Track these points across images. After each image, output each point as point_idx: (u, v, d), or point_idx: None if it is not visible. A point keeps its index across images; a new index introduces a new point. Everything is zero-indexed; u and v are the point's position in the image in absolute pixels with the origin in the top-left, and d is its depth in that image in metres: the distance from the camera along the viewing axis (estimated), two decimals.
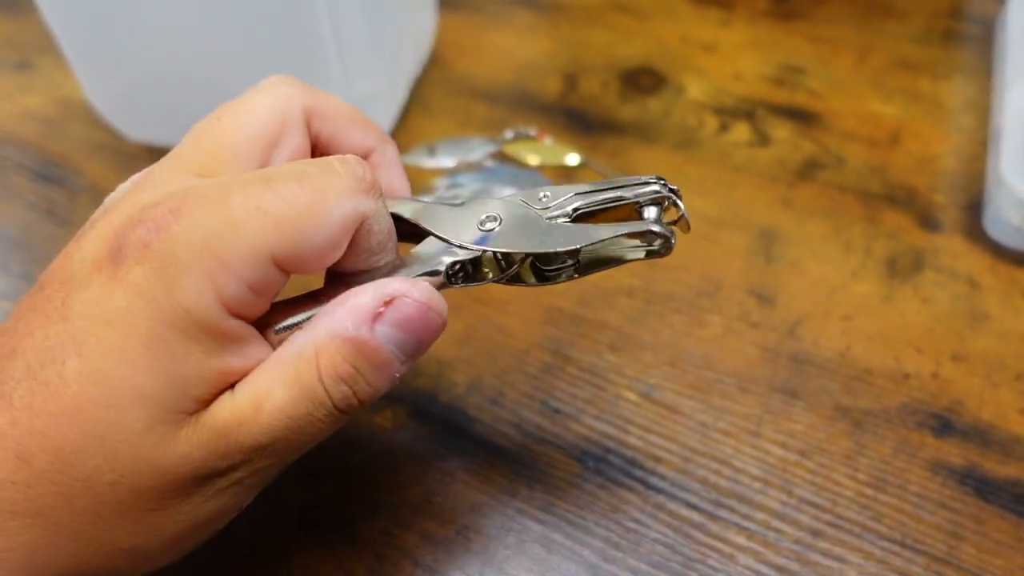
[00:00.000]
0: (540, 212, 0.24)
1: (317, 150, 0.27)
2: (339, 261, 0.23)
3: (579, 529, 0.31)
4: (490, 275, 0.25)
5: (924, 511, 0.31)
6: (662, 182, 0.24)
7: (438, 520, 0.31)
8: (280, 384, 0.22)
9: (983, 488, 0.32)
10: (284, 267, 0.22)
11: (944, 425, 0.34)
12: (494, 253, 0.24)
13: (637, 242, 0.24)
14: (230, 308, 0.21)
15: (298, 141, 0.25)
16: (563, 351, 0.37)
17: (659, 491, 0.32)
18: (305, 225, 0.21)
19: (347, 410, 0.22)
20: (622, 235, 0.23)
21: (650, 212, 0.24)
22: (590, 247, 0.23)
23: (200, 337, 0.21)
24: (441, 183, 0.45)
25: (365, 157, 0.27)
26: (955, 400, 0.34)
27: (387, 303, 0.22)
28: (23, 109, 0.51)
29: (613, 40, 0.55)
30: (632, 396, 0.35)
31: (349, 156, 0.23)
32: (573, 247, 0.23)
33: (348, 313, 0.22)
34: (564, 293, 0.39)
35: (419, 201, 0.25)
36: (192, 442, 0.21)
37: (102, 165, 0.47)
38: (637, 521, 0.31)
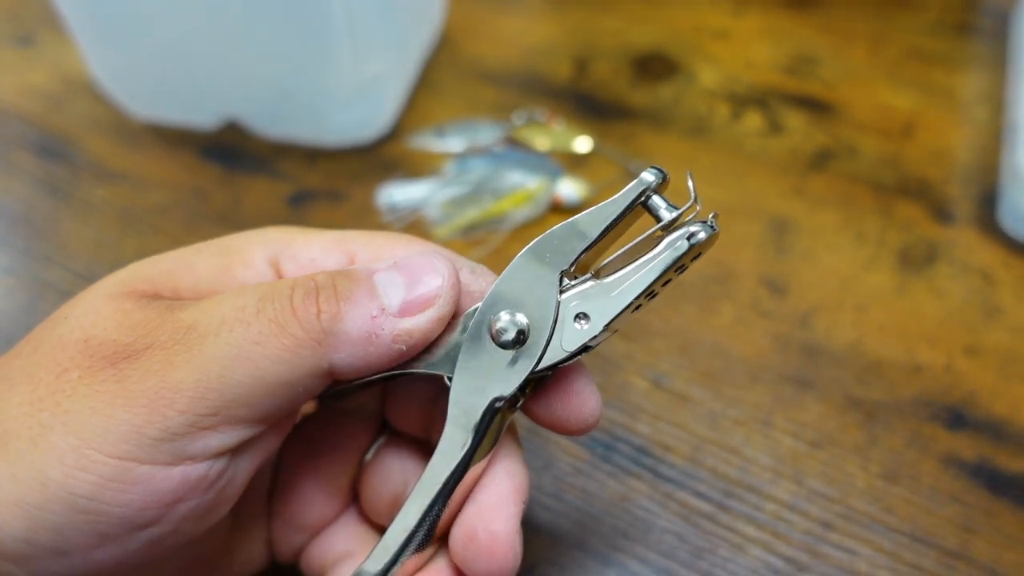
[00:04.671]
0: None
1: None
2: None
3: (587, 517, 0.31)
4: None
5: (936, 504, 0.31)
6: (652, 179, 0.20)
7: None
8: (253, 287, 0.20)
9: (995, 482, 0.31)
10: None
11: (956, 418, 0.33)
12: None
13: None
14: None
15: None
16: None
17: (668, 480, 0.32)
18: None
19: (301, 318, 0.19)
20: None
21: (662, 213, 0.20)
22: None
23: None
24: (450, 167, 0.44)
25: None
26: (968, 393, 0.34)
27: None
28: (26, 84, 0.51)
29: (625, 26, 0.55)
30: (642, 383, 0.35)
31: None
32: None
33: None
34: None
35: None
36: (141, 307, 0.20)
37: (105, 141, 0.47)
38: (646, 510, 0.31)
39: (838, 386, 0.34)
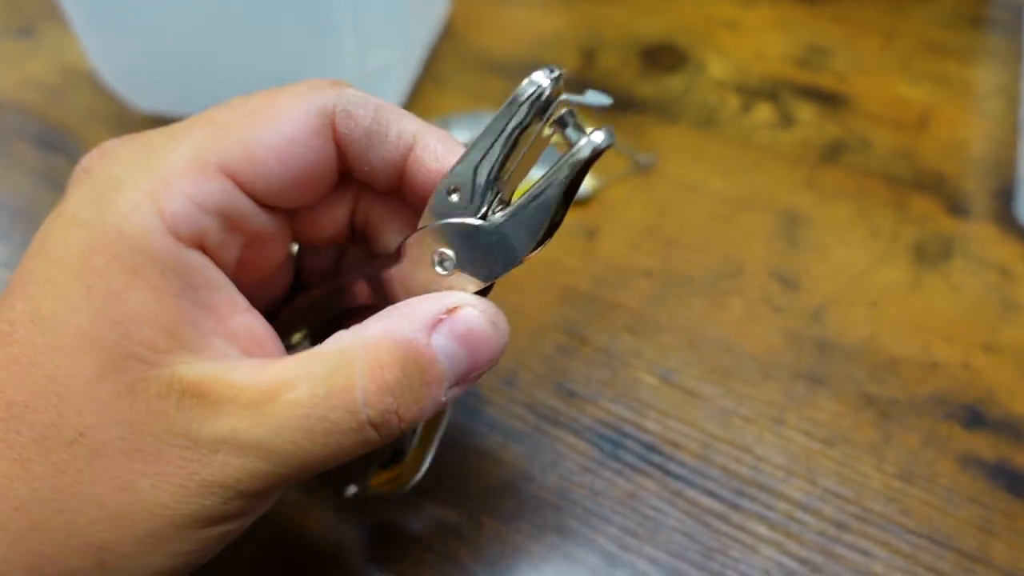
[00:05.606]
0: (473, 219, 0.21)
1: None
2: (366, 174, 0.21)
3: (595, 516, 0.30)
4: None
5: (953, 505, 0.30)
6: (543, 80, 0.20)
7: (449, 504, 0.30)
8: (307, 378, 0.18)
9: (1015, 483, 0.30)
10: (238, 178, 0.20)
11: (974, 417, 0.32)
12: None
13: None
14: (178, 232, 0.19)
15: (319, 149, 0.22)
16: (579, 332, 0.36)
17: (678, 478, 0.31)
18: (254, 123, 0.20)
19: (380, 426, 0.19)
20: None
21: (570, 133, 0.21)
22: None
23: (141, 268, 0.18)
24: None
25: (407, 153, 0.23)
26: (985, 391, 0.33)
27: (450, 311, 0.20)
28: (26, 76, 0.50)
29: (633, 16, 0.54)
30: (650, 379, 0.34)
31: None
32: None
33: (405, 317, 0.19)
34: (580, 273, 0.38)
35: None
36: (162, 396, 0.18)
37: (106, 134, 0.46)
38: (655, 509, 0.30)
39: (852, 383, 0.34)
